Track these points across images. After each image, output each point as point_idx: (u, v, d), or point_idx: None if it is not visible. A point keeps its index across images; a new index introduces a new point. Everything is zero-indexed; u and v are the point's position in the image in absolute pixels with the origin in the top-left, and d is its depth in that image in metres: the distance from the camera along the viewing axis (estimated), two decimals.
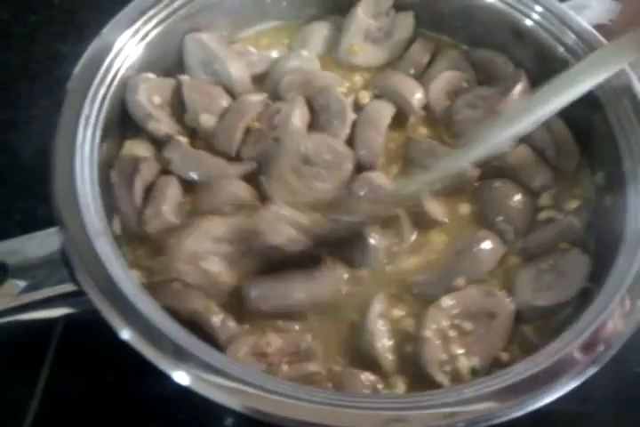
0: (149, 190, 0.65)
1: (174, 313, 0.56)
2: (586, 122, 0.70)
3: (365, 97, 0.72)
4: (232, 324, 0.58)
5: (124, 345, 0.52)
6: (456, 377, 0.59)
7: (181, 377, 0.51)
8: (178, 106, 0.70)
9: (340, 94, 0.70)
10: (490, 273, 0.65)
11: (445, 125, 0.73)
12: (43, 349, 0.70)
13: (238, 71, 0.71)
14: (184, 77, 0.71)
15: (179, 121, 0.70)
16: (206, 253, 0.60)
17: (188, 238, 0.60)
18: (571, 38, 0.69)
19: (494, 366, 0.60)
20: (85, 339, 0.69)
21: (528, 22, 0.72)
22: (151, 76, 0.69)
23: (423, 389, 0.56)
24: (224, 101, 0.70)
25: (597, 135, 0.69)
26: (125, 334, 0.52)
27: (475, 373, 0.59)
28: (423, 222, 0.67)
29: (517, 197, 0.68)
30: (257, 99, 0.69)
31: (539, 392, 0.52)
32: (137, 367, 0.52)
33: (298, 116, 0.68)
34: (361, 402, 0.52)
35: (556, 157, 0.70)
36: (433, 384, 0.58)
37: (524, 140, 0.69)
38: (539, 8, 0.71)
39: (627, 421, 0.71)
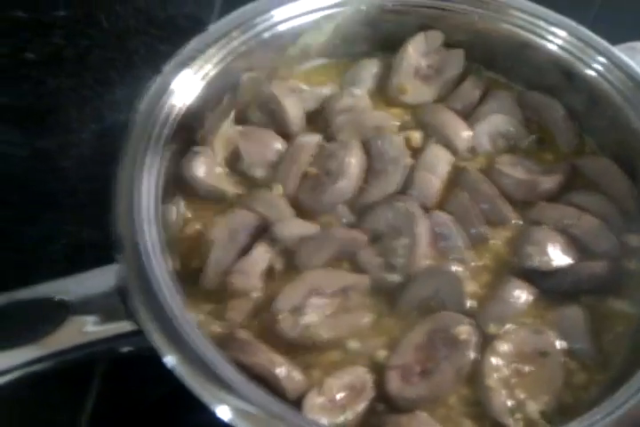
0: None
1: (239, 365, 0.55)
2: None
3: (417, 137, 0.72)
4: (297, 375, 0.57)
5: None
6: (529, 424, 0.59)
7: (224, 412, 0.51)
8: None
9: (398, 141, 0.70)
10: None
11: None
12: (89, 374, 0.72)
13: (294, 110, 0.71)
14: (238, 128, 0.71)
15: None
16: (306, 306, 0.61)
17: (291, 290, 0.61)
18: (628, 86, 0.70)
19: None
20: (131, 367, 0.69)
21: (584, 68, 0.72)
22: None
23: None
24: (278, 145, 0.70)
25: None
26: (170, 361, 0.53)
27: (545, 416, 0.59)
28: None
29: None
30: (312, 141, 0.70)
31: None
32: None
33: (353, 167, 0.68)
34: None
35: None
36: None
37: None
38: (600, 58, 0.72)
39: None
